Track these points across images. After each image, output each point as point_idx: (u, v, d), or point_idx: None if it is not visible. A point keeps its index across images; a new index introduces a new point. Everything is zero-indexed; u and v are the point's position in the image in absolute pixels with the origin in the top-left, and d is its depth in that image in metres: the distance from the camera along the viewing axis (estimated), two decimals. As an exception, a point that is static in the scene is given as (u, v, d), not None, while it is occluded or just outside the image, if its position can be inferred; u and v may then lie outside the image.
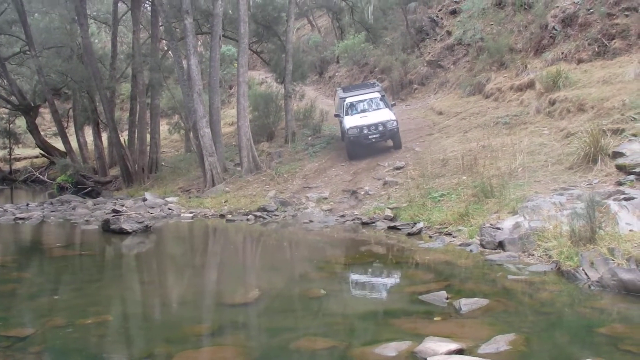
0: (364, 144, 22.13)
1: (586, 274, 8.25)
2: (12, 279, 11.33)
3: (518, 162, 15.49)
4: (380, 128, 21.81)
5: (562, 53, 22.53)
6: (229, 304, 8.82)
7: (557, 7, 24.38)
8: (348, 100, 23.89)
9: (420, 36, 34.45)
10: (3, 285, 10.76)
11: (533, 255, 9.85)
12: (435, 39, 33.49)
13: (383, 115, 22.27)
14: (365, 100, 23.86)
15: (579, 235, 9.06)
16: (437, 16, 34.43)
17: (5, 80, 38.37)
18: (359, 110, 23.38)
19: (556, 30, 23.71)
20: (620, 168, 12.92)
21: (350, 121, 22.51)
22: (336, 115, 24.45)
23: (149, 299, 9.84)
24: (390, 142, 22.83)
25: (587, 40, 21.93)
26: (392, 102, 25.04)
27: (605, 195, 11.07)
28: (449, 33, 32.38)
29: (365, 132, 21.85)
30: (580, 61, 21.54)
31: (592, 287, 7.97)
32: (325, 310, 8.32)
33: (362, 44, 35.47)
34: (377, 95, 24.05)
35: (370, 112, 22.91)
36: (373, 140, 22.03)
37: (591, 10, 22.47)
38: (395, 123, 21.87)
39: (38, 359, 6.60)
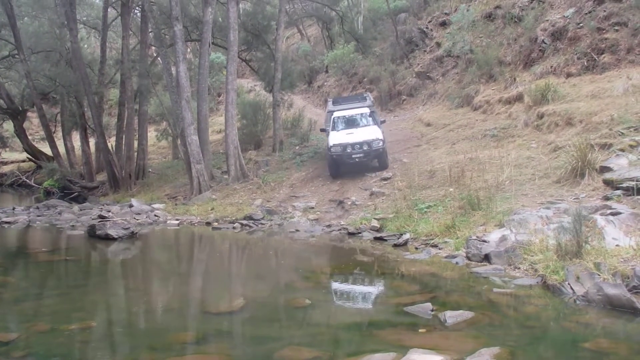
0: (347, 163, 21.03)
1: (572, 288, 8.25)
2: (-5, 284, 11.27)
3: (505, 175, 15.51)
4: (365, 147, 20.54)
5: (551, 67, 22.63)
6: (214, 312, 8.78)
7: (547, 20, 24.51)
8: (336, 114, 22.95)
9: (409, 47, 34.54)
10: (-14, 289, 10.70)
11: (519, 268, 9.85)
12: (425, 50, 33.60)
13: (369, 133, 21.01)
14: (354, 115, 22.86)
15: (565, 249, 9.06)
16: (426, 27, 34.56)
17: (-7, 84, 38.25)
18: (345, 125, 22.25)
19: (545, 43, 23.82)
20: (607, 183, 12.94)
21: (335, 138, 21.28)
22: (322, 130, 23.82)
23: (134, 306, 9.79)
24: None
25: (576, 54, 22.03)
26: (382, 119, 23.81)
27: (592, 209, 11.10)
28: (438, 44, 32.49)
29: (348, 150, 20.62)
30: (569, 75, 21.62)
31: (578, 302, 7.97)
32: (310, 320, 8.29)
33: (351, 54, 35.56)
34: (367, 110, 22.98)
35: (357, 129, 21.70)
36: (357, 159, 20.73)
37: (581, 25, 22.58)
38: (381, 143, 20.59)
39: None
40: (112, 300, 10.16)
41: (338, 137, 21.19)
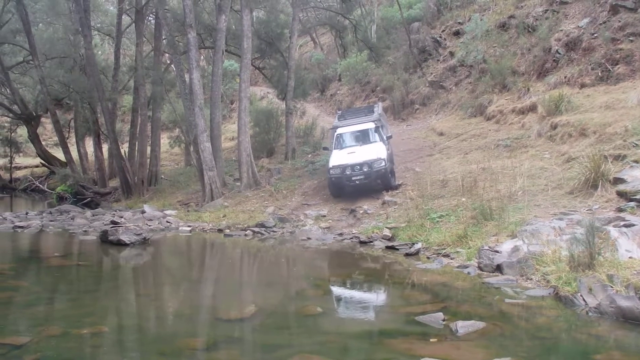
0: (346, 185, 19.90)
1: (584, 299, 8.20)
2: (9, 287, 11.32)
3: (518, 185, 15.47)
4: (365, 169, 19.24)
5: (565, 77, 22.55)
6: (225, 318, 8.78)
7: (561, 30, 24.45)
8: (338, 131, 21.77)
9: (422, 56, 34.49)
10: (0, 293, 10.74)
11: (531, 279, 9.81)
12: (438, 60, 33.54)
13: (372, 152, 19.64)
14: (358, 131, 21.47)
15: (578, 260, 9.02)
16: (440, 37, 34.50)
17: (7, 89, 38.65)
18: (348, 144, 21.07)
19: (559, 54, 23.75)
20: (621, 194, 12.90)
21: (335, 158, 20.12)
22: (324, 148, 23.07)
23: (145, 311, 9.80)
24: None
25: (590, 64, 21.95)
26: (389, 135, 21.64)
27: (605, 221, 11.05)
28: (451, 54, 32.41)
29: (347, 172, 19.40)
30: (583, 85, 21.53)
31: (590, 314, 7.92)
32: (320, 327, 8.28)
33: (364, 63, 35.53)
34: (372, 126, 21.37)
35: (359, 147, 20.44)
36: (357, 182, 19.46)
37: (595, 35, 22.52)
38: (383, 163, 19.22)
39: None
40: (123, 306, 10.17)
41: (338, 158, 20.09)
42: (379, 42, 36.72)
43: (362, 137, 21.19)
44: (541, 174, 16.53)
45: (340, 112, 25.23)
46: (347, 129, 21.73)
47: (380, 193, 19.54)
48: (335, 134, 21.77)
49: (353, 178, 19.40)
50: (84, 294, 11.01)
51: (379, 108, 23.73)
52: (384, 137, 21.05)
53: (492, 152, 20.37)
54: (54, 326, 8.29)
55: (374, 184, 19.75)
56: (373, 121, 21.71)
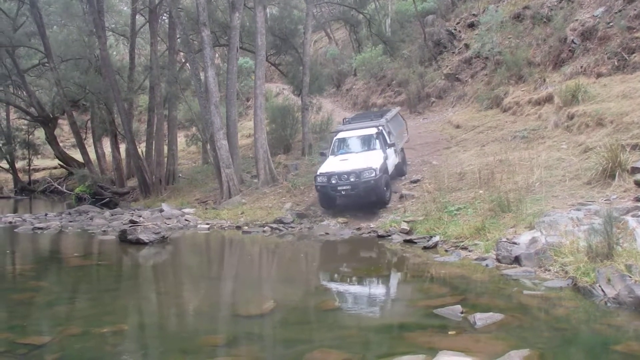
0: (332, 196, 18.26)
1: (603, 290, 8.17)
2: (29, 288, 11.46)
3: (535, 176, 15.42)
4: (352, 179, 17.42)
5: (581, 67, 22.38)
6: (244, 315, 8.84)
7: (577, 20, 24.27)
8: (338, 135, 20.42)
9: (438, 49, 34.38)
10: (21, 293, 10.89)
11: (549, 270, 9.78)
12: (453, 52, 33.41)
13: (364, 161, 17.91)
14: (357, 137, 19.78)
15: (596, 251, 8.99)
16: (455, 29, 34.36)
17: (24, 92, 39.03)
18: (344, 150, 19.48)
19: (575, 43, 23.59)
20: (638, 184, 12.83)
21: (325, 165, 18.81)
22: (321, 154, 21.13)
23: (165, 309, 9.87)
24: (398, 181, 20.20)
25: (606, 54, 21.77)
26: (391, 142, 19.14)
27: (623, 211, 11.00)
28: (466, 46, 32.27)
29: (333, 182, 17.68)
30: (599, 75, 21.37)
31: (609, 304, 7.89)
32: (339, 322, 8.30)
33: (379, 57, 35.48)
34: (374, 131, 19.45)
35: (354, 155, 18.81)
36: (342, 192, 17.78)
37: (611, 24, 22.34)
38: (374, 173, 17.28)
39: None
40: (143, 304, 10.25)
41: (328, 165, 18.67)
42: (393, 36, 36.64)
43: (361, 144, 19.55)
44: (558, 164, 16.45)
45: (348, 119, 23.31)
46: (345, 134, 20.30)
47: (399, 181, 19.72)
48: (334, 138, 20.51)
49: (339, 188, 17.69)
50: (103, 293, 11.10)
51: (392, 113, 22.05)
52: (386, 145, 18.96)
53: (509, 143, 20.27)
54: (75, 325, 8.38)
55: (364, 195, 17.72)
56: (376, 127, 19.76)
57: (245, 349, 7.25)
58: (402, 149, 21.35)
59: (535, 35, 26.67)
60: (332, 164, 18.49)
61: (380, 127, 19.66)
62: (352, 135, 20.04)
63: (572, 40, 23.77)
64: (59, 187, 39.87)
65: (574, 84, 20.38)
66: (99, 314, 9.04)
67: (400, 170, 20.66)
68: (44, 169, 46.17)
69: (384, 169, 18.08)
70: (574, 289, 8.70)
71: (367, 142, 19.40)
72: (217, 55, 37.07)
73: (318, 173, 18.29)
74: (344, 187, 17.57)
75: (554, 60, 24.54)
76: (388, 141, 19.07)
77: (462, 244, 12.90)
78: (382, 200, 17.92)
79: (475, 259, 11.58)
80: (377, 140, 19.13)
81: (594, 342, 6.89)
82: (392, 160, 19.54)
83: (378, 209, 18.05)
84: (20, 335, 7.81)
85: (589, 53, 22.79)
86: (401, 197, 18.52)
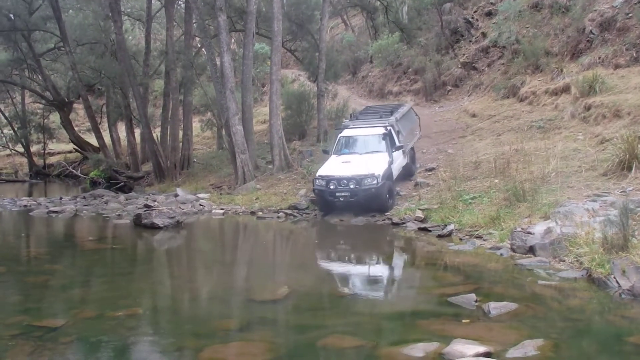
0: (330, 202, 16.95)
1: (617, 282, 8.15)
2: (44, 271, 11.55)
3: (551, 166, 15.34)
4: (352, 185, 16.34)
5: (599, 58, 22.22)
6: (258, 300, 8.88)
7: (595, 10, 24.07)
8: (342, 133, 19.11)
9: (454, 37, 34.20)
10: (36, 276, 10.97)
11: (564, 261, 9.75)
12: (470, 41, 33.22)
13: (367, 165, 16.66)
14: (362, 137, 18.65)
15: (612, 242, 8.95)
16: (472, 17, 34.16)
17: (39, 76, 39.20)
18: (347, 150, 18.30)
19: (593, 34, 23.41)
20: (655, 175, 12.76)
21: (325, 167, 17.65)
22: (324, 152, 19.91)
23: (179, 293, 9.93)
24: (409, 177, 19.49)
25: (625, 45, 21.60)
26: (399, 144, 17.95)
27: (639, 203, 10.93)
28: (484, 35, 32.08)
29: (331, 187, 16.60)
30: (617, 66, 21.20)
31: (623, 296, 7.86)
32: (353, 308, 8.33)
33: (396, 44, 35.25)
34: (381, 131, 18.19)
35: (357, 157, 17.57)
36: (341, 199, 16.54)
37: (630, 15, 22.15)
38: (375, 181, 16.21)
39: (69, 349, 6.69)
40: (157, 288, 10.30)
41: (328, 167, 17.52)
42: (410, 24, 36.36)
43: (366, 145, 18.27)
44: (574, 155, 16.37)
45: (357, 112, 22.26)
46: (350, 132, 19.09)
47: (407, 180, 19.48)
48: (339, 136, 19.20)
49: (337, 194, 16.57)
50: (118, 276, 11.17)
51: (403, 110, 20.80)
52: (393, 147, 17.79)
53: (525, 133, 20.19)
54: (89, 309, 8.47)
55: (364, 203, 16.50)
56: (384, 126, 18.50)
57: (259, 333, 7.27)
58: (412, 148, 20.31)
59: (553, 25, 26.48)
60: (333, 167, 17.39)
61: (389, 127, 18.39)
62: (358, 134, 18.88)
63: (591, 31, 23.60)
64: (74, 171, 40.01)
65: (592, 74, 20.24)
66: (114, 298, 9.10)
67: (408, 171, 19.60)
68: (58, 153, 46.39)
69: (388, 175, 17.00)
70: (588, 280, 8.68)
71: (372, 143, 18.11)
72: (233, 40, 37.06)
73: (317, 175, 17.23)
74: (343, 194, 16.47)
75: (572, 51, 24.37)
76: (396, 142, 17.96)
77: (476, 232, 12.87)
78: (383, 208, 16.68)
79: (490, 248, 11.56)
80: (384, 142, 17.87)
81: (608, 333, 6.87)
82: (399, 163, 18.45)
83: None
84: (36, 318, 7.88)
85: (607, 44, 22.62)
86: (416, 184, 18.49)
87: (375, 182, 16.21)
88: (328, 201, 16.96)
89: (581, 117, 19.29)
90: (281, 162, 23.69)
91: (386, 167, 16.90)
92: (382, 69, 38.56)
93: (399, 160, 18.38)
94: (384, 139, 17.89)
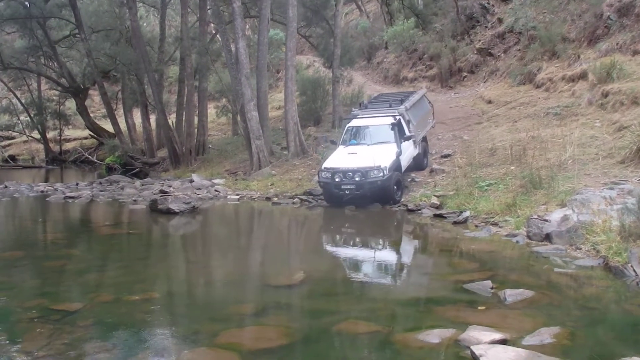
0: (336, 195, 16.61)
1: (634, 270, 8.11)
2: (62, 256, 11.61)
3: (568, 154, 15.25)
4: (357, 178, 15.97)
5: (617, 44, 21.98)
6: (273, 285, 8.89)
7: (613, -4, 23.88)
8: (351, 123, 18.69)
9: (470, 23, 33.96)
10: (53, 261, 11.05)
11: (580, 249, 9.72)
12: (486, 27, 33.00)
13: (374, 157, 16.15)
14: (371, 127, 18.08)
15: (629, 231, 8.91)
16: (488, 3, 33.90)
17: (55, 63, 39.43)
18: (355, 141, 17.83)
19: (611, 20, 23.17)
20: (673, 163, 12.67)
21: (332, 158, 17.36)
22: (332, 142, 19.39)
23: (195, 278, 9.98)
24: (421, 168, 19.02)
25: (643, 31, 21.41)
26: (409, 134, 17.47)
27: (657, 191, 10.87)
28: (500, 20, 31.86)
29: (337, 179, 16.26)
30: (635, 53, 20.96)
31: (640, 284, 7.85)
32: (368, 294, 8.36)
33: (411, 30, 34.98)
34: (390, 121, 17.60)
35: (365, 148, 17.15)
36: (346, 192, 16.22)
37: (649, 0, 21.94)
38: (382, 174, 15.82)
39: (86, 332, 6.73)
40: (173, 273, 10.34)
41: (334, 158, 17.20)
42: (425, 9, 36.18)
43: (374, 135, 17.71)
44: (592, 142, 16.26)
45: (368, 101, 22.15)
46: (359, 122, 18.62)
47: (429, 155, 19.55)
48: (347, 126, 18.76)
49: (342, 187, 16.26)
50: (134, 261, 11.26)
51: (414, 98, 20.19)
52: (402, 138, 17.31)
53: (541, 120, 20.06)
54: (106, 293, 8.51)
55: (370, 196, 16.20)
56: (393, 116, 17.89)
57: (274, 318, 7.30)
58: (424, 138, 19.80)
59: (570, 11, 26.26)
60: (339, 158, 17.04)
61: (398, 117, 17.75)
62: (366, 124, 18.32)
63: (608, 17, 23.36)
64: (90, 157, 40.29)
65: (609, 61, 20.02)
66: (130, 282, 9.16)
67: (419, 163, 19.00)
68: (74, 139, 46.62)
69: (396, 166, 16.53)
70: (605, 268, 8.64)
71: (381, 134, 17.53)
72: (247, 26, 36.97)
73: (322, 167, 16.90)
74: (349, 187, 16.13)
75: (589, 37, 24.13)
76: (406, 133, 17.42)
77: (492, 219, 12.85)
78: (390, 200, 16.35)
79: (506, 235, 11.55)
80: (392, 132, 17.30)
81: (625, 322, 6.84)
82: (409, 154, 17.96)
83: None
84: (54, 302, 7.93)
85: (625, 30, 22.37)
86: (431, 171, 18.46)
87: (381, 174, 15.85)
88: (334, 194, 16.66)
89: (598, 104, 19.13)
90: (296, 148, 23.72)
91: (394, 158, 16.52)
92: (397, 55, 38.38)
93: (409, 150, 17.95)
94: (392, 129, 17.36)
